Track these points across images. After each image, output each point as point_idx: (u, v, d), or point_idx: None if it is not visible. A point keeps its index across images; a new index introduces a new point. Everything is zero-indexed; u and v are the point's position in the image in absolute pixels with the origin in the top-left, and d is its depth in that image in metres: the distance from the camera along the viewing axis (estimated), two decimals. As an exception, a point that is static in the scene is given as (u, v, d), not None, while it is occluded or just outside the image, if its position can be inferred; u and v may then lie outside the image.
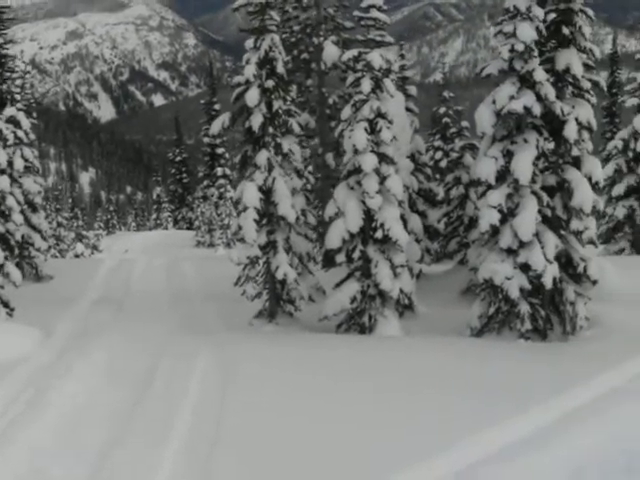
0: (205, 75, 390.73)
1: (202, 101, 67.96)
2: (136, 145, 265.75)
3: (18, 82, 31.34)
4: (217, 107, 64.88)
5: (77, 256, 55.50)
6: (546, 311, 18.72)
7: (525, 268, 18.04)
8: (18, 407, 12.23)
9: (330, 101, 28.34)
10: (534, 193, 18.13)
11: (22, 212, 25.61)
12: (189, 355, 15.49)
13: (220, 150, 64.34)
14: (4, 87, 30.13)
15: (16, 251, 22.49)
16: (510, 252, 18.21)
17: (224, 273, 24.87)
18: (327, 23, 28.86)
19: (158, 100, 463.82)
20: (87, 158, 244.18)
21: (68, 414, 12.02)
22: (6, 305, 20.27)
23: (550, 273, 17.88)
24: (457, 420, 11.20)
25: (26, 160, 28.87)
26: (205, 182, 64.66)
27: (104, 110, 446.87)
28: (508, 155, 18.38)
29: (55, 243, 52.96)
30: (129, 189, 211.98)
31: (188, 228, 71.48)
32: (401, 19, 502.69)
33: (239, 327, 20.63)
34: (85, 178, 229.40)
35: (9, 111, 28.90)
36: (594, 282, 19.09)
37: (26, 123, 29.84)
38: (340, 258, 19.30)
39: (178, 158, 75.49)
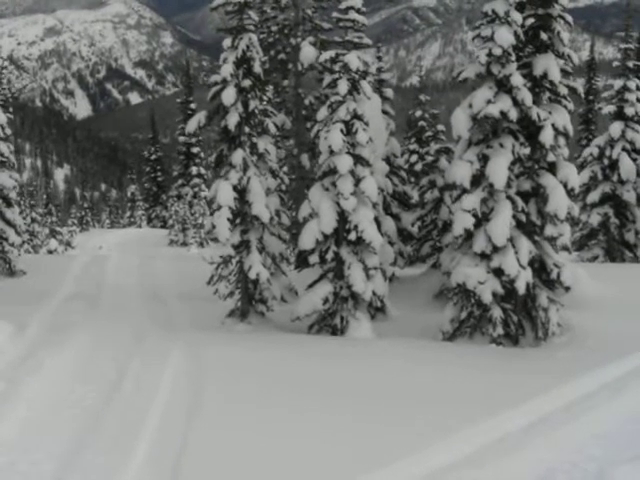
0: (182, 74, 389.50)
1: (178, 100, 67.73)
2: (112, 143, 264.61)
3: (-5, 78, 31.14)
4: (193, 106, 64.70)
5: (50, 252, 55.08)
6: (518, 316, 18.77)
7: (498, 273, 18.08)
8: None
9: (306, 102, 28.30)
10: (509, 198, 18.19)
11: (-4, 207, 25.46)
12: (160, 353, 15.45)
13: (195, 149, 64.17)
14: (-20, 82, 29.93)
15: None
16: (484, 257, 18.25)
17: (197, 272, 24.73)
18: (305, 24, 28.83)
19: (134, 98, 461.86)
20: (62, 155, 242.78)
21: (38, 410, 11.92)
22: (-23, 299, 20.12)
23: (523, 278, 17.92)
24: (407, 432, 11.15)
25: (2, 155, 28.66)
26: (180, 181, 64.46)
27: (80, 107, 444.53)
28: (483, 159, 18.42)
29: (29, 239, 52.53)
30: (104, 186, 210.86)
31: (162, 227, 71.19)
32: (379, 22, 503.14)
33: (211, 326, 20.54)
34: (60, 175, 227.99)
35: (-16, 106, 28.73)
36: (567, 289, 19.13)
37: (2, 118, 29.62)
38: (313, 259, 19.27)
39: (153, 156, 75.19)
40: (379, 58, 27.56)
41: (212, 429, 10.96)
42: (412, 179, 28.58)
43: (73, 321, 20.44)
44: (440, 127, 28.82)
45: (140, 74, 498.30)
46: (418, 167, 28.86)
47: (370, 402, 12.45)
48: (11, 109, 32.30)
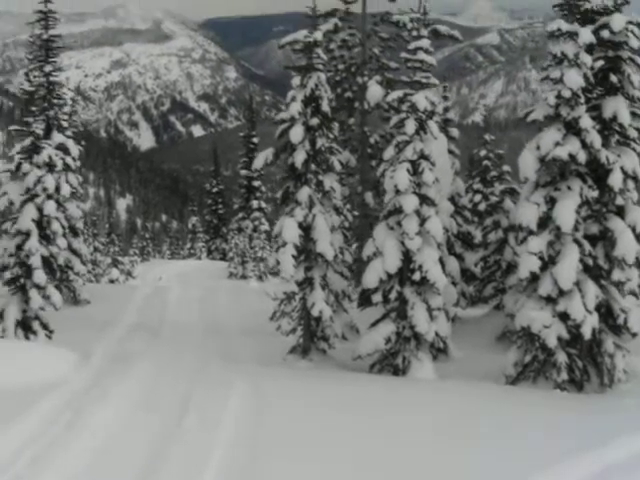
0: (244, 108, 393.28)
1: (241, 134, 68.29)
2: (174, 174, 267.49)
3: (66, 109, 31.75)
4: (255, 140, 65.21)
5: (112, 281, 55.75)
6: (583, 362, 18.49)
7: (564, 317, 17.85)
8: (55, 430, 12.28)
9: (371, 140, 28.45)
10: (576, 241, 17.99)
11: (65, 236, 25.88)
12: (223, 386, 15.53)
13: (257, 183, 64.57)
14: (51, 113, 30.53)
15: (58, 275, 22.71)
16: (549, 300, 18.04)
17: (257, 306, 24.89)
18: (372, 63, 29.08)
19: (197, 131, 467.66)
20: (125, 185, 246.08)
21: (103, 440, 12.04)
22: (45, 327, 20.49)
23: (589, 323, 17.67)
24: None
25: (71, 186, 29.18)
26: (240, 214, 64.81)
27: (144, 139, 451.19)
28: (551, 202, 18.26)
29: (92, 268, 53.24)
30: (165, 217, 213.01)
31: (221, 259, 71.55)
32: (442, 59, 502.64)
33: (273, 361, 20.60)
34: (122, 204, 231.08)
35: (58, 138, 29.27)
36: (634, 334, 18.80)
37: (74, 150, 30.24)
38: (376, 298, 19.22)
39: (215, 189, 75.78)
40: (445, 97, 27.56)
41: (275, 461, 10.97)
42: (475, 219, 28.40)
43: (136, 351, 20.68)
44: (505, 167, 28.65)
45: (203, 107, 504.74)
46: (482, 207, 28.71)
47: (433, 444, 12.36)
48: (83, 142, 32.91)
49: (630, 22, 18.47)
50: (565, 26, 18.07)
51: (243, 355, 21.83)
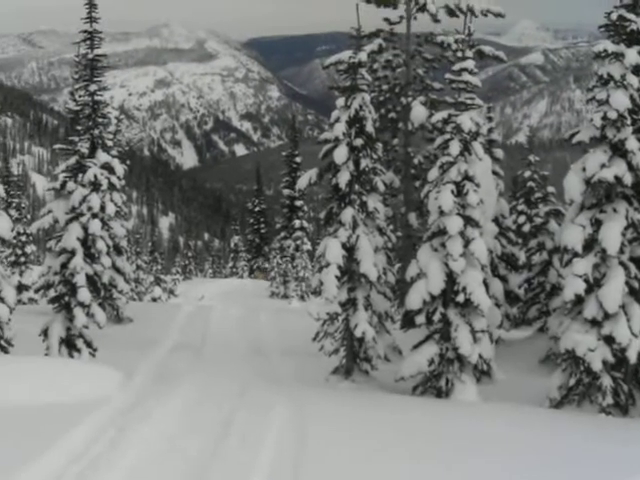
0: (287, 127, 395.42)
1: (283, 153, 68.70)
2: (216, 193, 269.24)
3: (111, 129, 32.10)
4: (298, 160, 65.55)
5: (154, 300, 56.16)
6: (629, 386, 18.25)
7: (609, 340, 17.65)
8: (98, 448, 12.33)
9: (415, 161, 28.44)
10: (622, 264, 17.82)
11: (109, 255, 26.13)
12: (264, 407, 15.48)
13: (299, 202, 64.83)
14: (96, 132, 30.87)
15: (102, 293, 22.89)
16: (594, 323, 17.85)
17: (299, 326, 24.87)
18: (416, 83, 29.08)
19: (240, 150, 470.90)
20: (168, 203, 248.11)
21: (145, 459, 12.06)
22: (89, 345, 20.62)
23: (635, 347, 17.45)
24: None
25: (116, 205, 29.48)
26: (282, 233, 65.09)
27: (187, 157, 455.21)
28: (596, 224, 18.11)
29: (134, 286, 53.61)
30: (207, 236, 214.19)
31: (263, 278, 71.77)
32: (485, 79, 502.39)
33: (315, 382, 20.57)
34: (165, 223, 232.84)
35: (103, 157, 29.59)
36: (680, 359, 18.54)
37: (119, 169, 30.54)
38: (420, 319, 19.12)
39: (257, 208, 76.17)
40: (489, 118, 27.49)
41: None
42: (519, 240, 28.20)
43: (179, 371, 20.77)
44: (550, 189, 28.43)
45: (246, 126, 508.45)
46: (526, 228, 28.50)
47: (481, 468, 12.24)
48: (128, 161, 33.24)
49: (678, 43, 18.31)
50: (611, 47, 17.97)
51: (285, 375, 21.84)
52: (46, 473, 10.92)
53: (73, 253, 20.21)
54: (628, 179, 17.79)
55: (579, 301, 18.12)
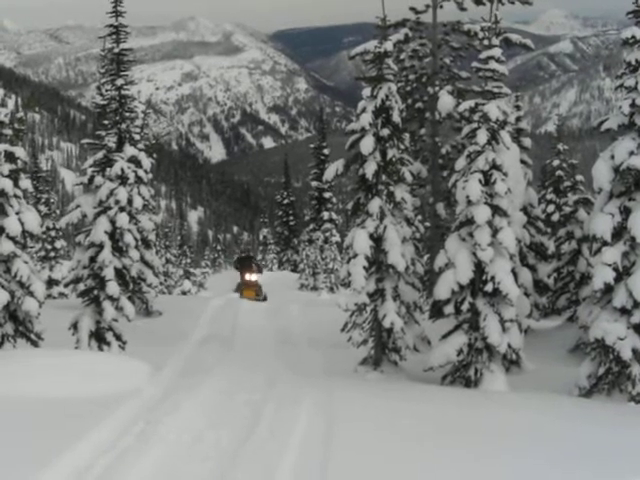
0: (315, 119, 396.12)
1: (311, 145, 68.68)
2: (244, 186, 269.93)
3: (138, 122, 32.17)
4: (326, 152, 65.50)
5: (184, 293, 56.42)
6: (659, 374, 18.10)
7: (639, 329, 17.52)
8: (127, 440, 12.40)
9: (443, 151, 28.31)
10: (652, 252, 17.65)
11: (137, 248, 26.21)
12: (294, 399, 15.48)
13: (327, 194, 64.86)
14: (123, 126, 30.97)
15: (130, 286, 22.96)
16: (624, 312, 17.69)
17: (328, 317, 24.82)
18: (442, 73, 28.96)
19: (268, 143, 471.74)
20: (196, 197, 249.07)
21: (173, 452, 12.11)
22: (119, 338, 20.72)
23: (665, 335, 17.32)
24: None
25: (143, 198, 29.57)
26: (311, 225, 65.14)
27: (215, 151, 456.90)
28: (625, 212, 17.93)
29: (164, 279, 53.85)
30: (236, 229, 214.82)
31: (292, 270, 71.87)
32: (514, 68, 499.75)
33: (343, 373, 20.55)
34: (194, 216, 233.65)
35: (130, 151, 29.67)
36: None
37: (146, 163, 30.60)
38: (448, 309, 19.06)
39: (285, 201, 76.17)
40: (517, 107, 27.30)
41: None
42: (548, 229, 28.03)
43: (208, 363, 20.80)
44: (579, 177, 28.24)
45: (274, 119, 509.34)
46: (555, 217, 28.34)
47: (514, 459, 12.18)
48: (155, 155, 33.33)
49: None
50: (639, 33, 17.79)
51: (314, 366, 21.85)
52: (76, 465, 11.00)
53: (101, 247, 20.30)
54: (658, 166, 17.60)
55: (608, 290, 17.96)
